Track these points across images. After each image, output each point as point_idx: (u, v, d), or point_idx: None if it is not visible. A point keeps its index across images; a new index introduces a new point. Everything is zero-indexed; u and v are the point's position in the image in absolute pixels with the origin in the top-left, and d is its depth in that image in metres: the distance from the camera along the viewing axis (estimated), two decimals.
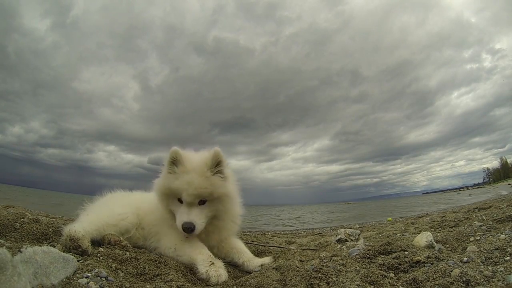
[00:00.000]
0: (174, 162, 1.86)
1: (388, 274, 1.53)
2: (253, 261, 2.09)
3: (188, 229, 1.80)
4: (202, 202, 1.89)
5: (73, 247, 1.55)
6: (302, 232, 5.80)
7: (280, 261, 1.95)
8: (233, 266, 2.06)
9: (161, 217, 2.07)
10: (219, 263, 1.74)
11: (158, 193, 1.98)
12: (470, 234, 2.12)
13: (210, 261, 1.72)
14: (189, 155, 1.93)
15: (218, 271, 1.64)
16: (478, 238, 1.99)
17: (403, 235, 2.75)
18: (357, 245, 2.40)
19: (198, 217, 1.84)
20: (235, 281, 1.61)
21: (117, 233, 1.95)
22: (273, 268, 1.72)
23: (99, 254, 1.63)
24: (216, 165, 1.88)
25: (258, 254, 2.49)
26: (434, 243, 1.93)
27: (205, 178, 1.84)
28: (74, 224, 1.77)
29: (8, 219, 1.80)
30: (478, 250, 1.66)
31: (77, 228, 1.62)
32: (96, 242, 1.81)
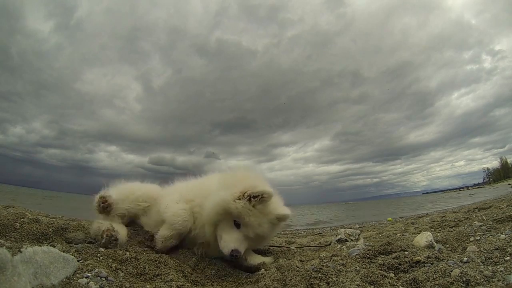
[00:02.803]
0: (258, 199, 1.85)
1: (388, 274, 1.53)
2: (254, 257, 2.10)
3: (234, 257, 1.85)
4: None
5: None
6: (302, 232, 5.80)
7: (280, 261, 1.95)
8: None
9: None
10: None
11: (216, 207, 1.90)
12: (470, 234, 2.12)
13: None
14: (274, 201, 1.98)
15: None
16: (478, 238, 1.99)
17: (403, 235, 2.74)
18: (357, 245, 2.40)
19: (243, 248, 1.93)
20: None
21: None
22: (273, 268, 1.72)
23: (99, 254, 1.64)
24: (277, 224, 2.05)
25: (258, 254, 2.49)
26: (434, 243, 1.93)
27: (269, 227, 1.96)
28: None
29: (8, 219, 1.80)
30: (478, 250, 1.66)
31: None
32: None
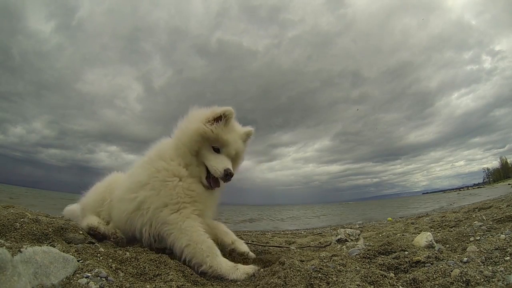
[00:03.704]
0: (224, 119, 2.03)
1: (388, 274, 1.53)
2: (240, 244, 2.23)
3: (229, 176, 2.00)
4: None
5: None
6: (302, 232, 5.80)
7: (281, 259, 1.95)
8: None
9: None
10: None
11: (193, 136, 2.04)
12: (470, 234, 2.12)
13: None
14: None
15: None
16: (478, 238, 1.99)
17: (403, 235, 2.75)
18: (357, 245, 2.40)
19: (235, 170, 2.13)
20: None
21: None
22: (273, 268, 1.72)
23: (99, 254, 1.64)
24: (246, 140, 2.26)
25: (258, 254, 2.49)
26: (434, 243, 1.93)
27: (242, 143, 2.19)
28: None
29: (8, 219, 1.80)
30: (478, 250, 1.66)
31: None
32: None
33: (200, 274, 1.72)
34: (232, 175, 2.02)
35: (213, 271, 1.73)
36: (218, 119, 2.03)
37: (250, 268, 1.74)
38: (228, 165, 2.03)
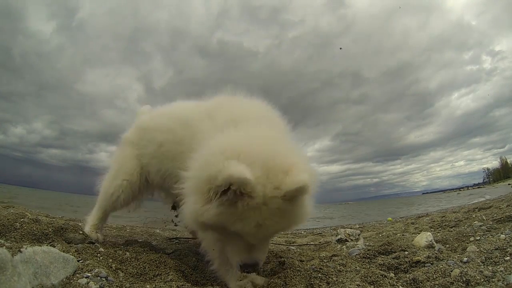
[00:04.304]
0: (232, 191, 1.08)
1: (388, 274, 1.53)
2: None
3: (251, 268, 1.31)
4: None
5: None
6: (302, 232, 5.79)
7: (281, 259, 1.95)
8: None
9: None
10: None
11: (196, 225, 1.33)
12: (470, 234, 2.12)
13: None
14: (260, 178, 1.10)
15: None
16: (478, 238, 1.99)
17: (403, 235, 2.75)
18: (357, 245, 2.40)
19: (263, 253, 1.35)
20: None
21: None
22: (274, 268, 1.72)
23: (99, 254, 1.64)
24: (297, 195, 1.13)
25: None
26: (434, 243, 1.93)
27: (282, 215, 1.15)
28: None
29: (8, 219, 1.80)
30: (478, 250, 1.66)
31: None
32: None
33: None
34: (256, 268, 1.33)
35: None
36: (224, 192, 1.09)
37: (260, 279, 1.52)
38: (248, 256, 1.27)
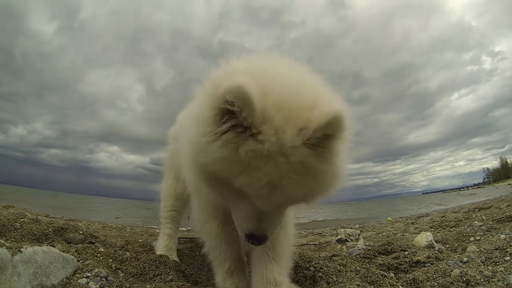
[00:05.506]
0: (233, 120, 0.84)
1: (388, 274, 1.53)
2: None
3: (257, 241, 1.04)
4: None
5: None
6: (302, 232, 5.79)
7: None
8: None
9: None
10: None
11: (195, 173, 1.03)
12: (470, 234, 2.12)
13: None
14: (274, 105, 0.82)
15: None
16: (478, 238, 1.99)
17: (403, 235, 2.75)
18: (357, 245, 2.40)
19: (271, 224, 1.07)
20: None
21: None
22: None
23: (99, 254, 1.64)
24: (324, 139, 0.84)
25: None
26: (434, 243, 1.93)
27: (307, 173, 0.86)
28: None
29: (8, 219, 1.80)
30: (478, 250, 1.67)
31: None
32: None
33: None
34: (263, 241, 1.04)
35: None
36: (231, 127, 0.85)
37: None
38: (257, 225, 1.01)
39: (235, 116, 0.82)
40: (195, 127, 0.93)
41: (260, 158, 0.82)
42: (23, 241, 1.65)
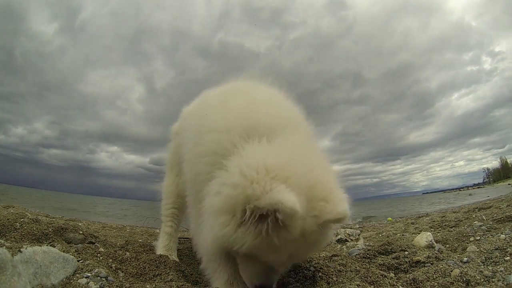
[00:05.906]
0: (274, 218, 0.96)
1: (388, 274, 1.53)
2: None
3: None
4: None
5: None
6: None
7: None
8: None
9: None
10: None
11: (216, 249, 1.15)
12: (470, 234, 2.12)
13: None
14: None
15: None
16: (478, 238, 1.99)
17: (403, 235, 2.75)
18: (357, 245, 2.40)
19: (279, 275, 1.38)
20: None
21: None
22: None
23: (99, 254, 1.64)
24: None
25: None
26: (434, 243, 1.93)
27: (315, 245, 1.17)
28: None
29: (8, 219, 1.80)
30: (478, 250, 1.66)
31: None
32: None
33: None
34: None
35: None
36: (263, 215, 0.98)
37: None
38: (267, 279, 1.25)
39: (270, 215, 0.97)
40: (223, 218, 1.04)
41: (288, 242, 1.02)
42: (23, 241, 1.65)
